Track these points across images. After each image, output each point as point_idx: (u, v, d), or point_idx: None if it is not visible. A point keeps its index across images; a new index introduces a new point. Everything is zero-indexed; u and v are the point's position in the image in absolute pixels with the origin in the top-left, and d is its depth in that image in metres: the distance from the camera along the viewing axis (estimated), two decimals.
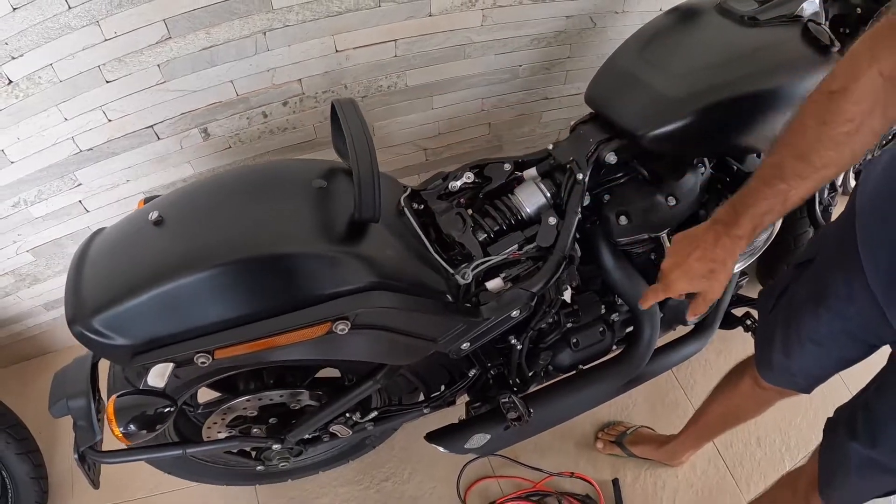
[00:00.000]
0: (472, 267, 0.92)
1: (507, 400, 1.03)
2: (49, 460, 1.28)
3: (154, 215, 0.81)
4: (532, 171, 1.04)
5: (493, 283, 0.94)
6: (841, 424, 0.83)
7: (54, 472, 1.32)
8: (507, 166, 1.05)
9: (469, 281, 0.91)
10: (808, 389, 0.94)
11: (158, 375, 0.78)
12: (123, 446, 1.03)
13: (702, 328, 1.27)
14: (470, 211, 1.00)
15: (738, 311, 1.33)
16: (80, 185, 1.23)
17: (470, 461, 1.38)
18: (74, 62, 1.03)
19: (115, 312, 0.76)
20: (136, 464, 1.30)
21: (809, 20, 0.94)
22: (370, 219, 0.80)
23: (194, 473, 1.20)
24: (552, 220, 0.96)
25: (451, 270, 0.92)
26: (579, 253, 1.01)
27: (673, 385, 1.52)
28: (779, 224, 1.07)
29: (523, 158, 1.06)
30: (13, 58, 0.99)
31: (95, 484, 1.02)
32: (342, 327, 0.79)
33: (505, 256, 0.96)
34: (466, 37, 1.26)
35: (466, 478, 1.37)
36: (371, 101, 1.31)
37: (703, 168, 1.02)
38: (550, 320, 1.05)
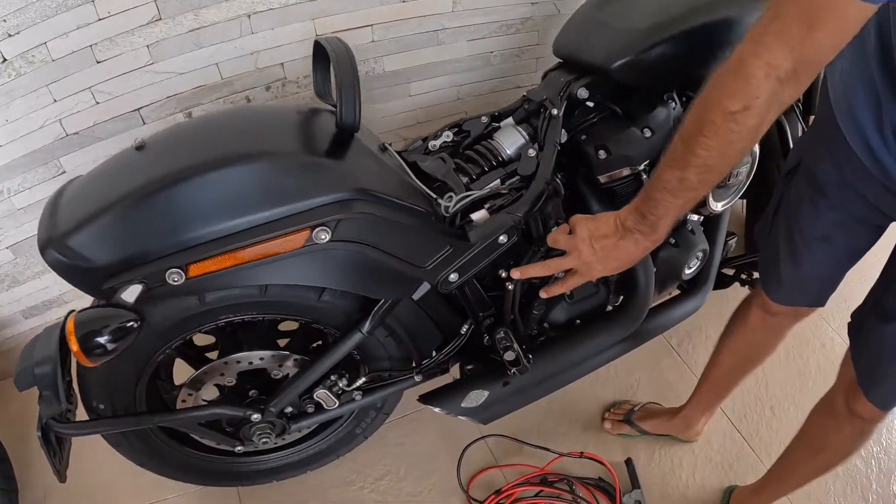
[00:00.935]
0: (456, 198, 0.91)
1: (502, 335, 0.97)
2: (22, 485, 1.16)
3: (137, 141, 0.82)
4: (509, 119, 1.08)
5: (479, 215, 0.93)
6: (868, 316, 0.80)
7: (26, 495, 1.19)
8: (485, 119, 1.08)
9: (453, 209, 0.91)
10: (821, 300, 0.91)
11: (129, 294, 0.75)
12: (87, 419, 0.95)
13: (696, 287, 1.24)
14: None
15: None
16: (64, 172, 1.23)
17: (468, 445, 1.27)
18: (67, 41, 1.07)
19: (89, 231, 0.74)
20: (113, 477, 1.19)
21: None
22: (350, 126, 0.81)
23: (169, 467, 1.09)
24: (532, 153, 0.99)
25: (435, 196, 0.91)
26: (563, 189, 1.02)
27: (675, 361, 1.46)
28: (757, 152, 1.10)
29: (499, 111, 1.10)
30: (10, 35, 1.02)
31: (62, 476, 0.92)
32: (323, 236, 0.77)
33: (489, 190, 0.96)
34: (439, 22, 1.35)
35: (469, 469, 1.25)
36: None
37: (673, 104, 1.05)
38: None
